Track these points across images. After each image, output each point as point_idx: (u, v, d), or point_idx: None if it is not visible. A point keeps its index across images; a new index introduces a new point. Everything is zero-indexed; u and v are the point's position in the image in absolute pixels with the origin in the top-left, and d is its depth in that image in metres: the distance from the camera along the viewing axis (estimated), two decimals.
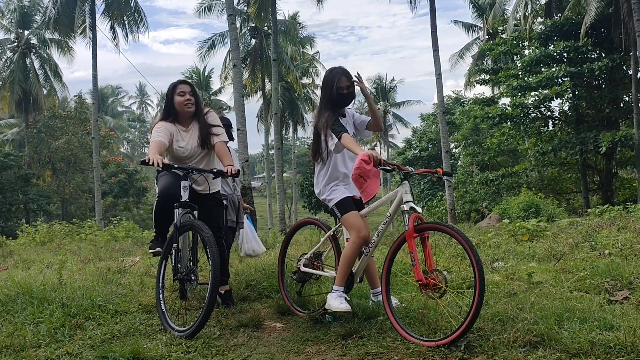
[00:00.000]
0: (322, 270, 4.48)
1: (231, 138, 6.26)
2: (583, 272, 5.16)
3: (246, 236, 6.24)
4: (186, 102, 4.54)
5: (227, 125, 6.09)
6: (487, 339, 3.48)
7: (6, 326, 4.18)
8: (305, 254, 4.65)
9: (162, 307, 4.22)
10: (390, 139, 63.92)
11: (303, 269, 4.56)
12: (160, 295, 4.26)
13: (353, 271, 4.11)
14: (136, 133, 78.62)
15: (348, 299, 4.06)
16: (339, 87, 4.25)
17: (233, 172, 4.27)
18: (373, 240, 4.04)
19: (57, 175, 38.23)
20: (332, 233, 4.39)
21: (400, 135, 65.20)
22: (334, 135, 4.13)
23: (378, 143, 66.19)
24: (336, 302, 3.94)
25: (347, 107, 4.43)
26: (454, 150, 38.81)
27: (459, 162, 38.11)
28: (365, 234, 4.02)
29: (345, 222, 4.11)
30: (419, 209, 3.71)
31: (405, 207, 3.78)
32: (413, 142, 41.65)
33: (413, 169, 3.96)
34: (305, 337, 3.94)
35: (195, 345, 3.76)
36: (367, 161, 3.80)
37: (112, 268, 6.93)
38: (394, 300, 4.28)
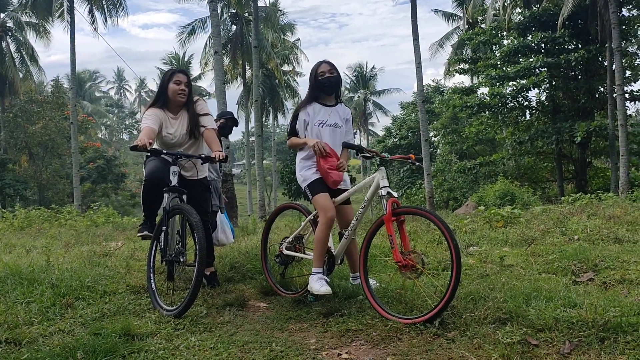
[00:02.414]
0: (304, 252, 4.68)
1: (229, 132, 6.41)
2: (552, 256, 5.44)
3: (219, 226, 6.40)
4: (180, 92, 4.66)
5: (232, 119, 6.25)
6: (459, 316, 3.72)
7: None
8: (287, 237, 4.85)
9: (153, 286, 4.39)
10: (370, 127, 64.24)
11: (285, 252, 4.75)
12: (151, 275, 4.42)
13: (334, 253, 4.32)
14: (114, 118, 77.91)
15: (328, 280, 4.27)
16: (320, 72, 4.46)
17: (221, 158, 4.43)
18: (352, 224, 4.25)
19: (34, 160, 37.81)
20: (312, 217, 4.58)
21: (380, 123, 65.60)
22: (288, 133, 4.61)
23: (358, 131, 66.50)
24: (317, 284, 4.14)
25: (335, 93, 4.61)
26: (433, 138, 39.20)
27: (438, 150, 38.52)
28: (333, 214, 4.20)
29: (315, 203, 4.31)
30: (395, 194, 3.92)
31: (383, 192, 4.00)
32: (393, 131, 41.97)
33: (389, 156, 4.19)
34: (289, 316, 4.14)
35: (184, 323, 3.94)
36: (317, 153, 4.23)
37: (97, 252, 7.05)
38: (373, 282, 4.50)
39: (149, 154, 4.49)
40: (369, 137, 63.02)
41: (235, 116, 6.55)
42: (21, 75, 36.45)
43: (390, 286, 4.50)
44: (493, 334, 3.38)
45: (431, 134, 37.77)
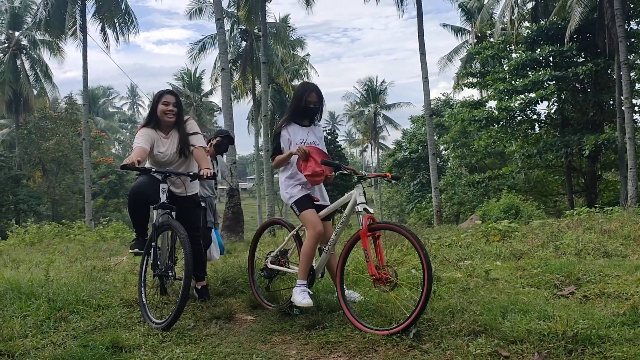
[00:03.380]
0: (288, 266, 4.83)
1: (225, 150, 6.55)
2: (537, 270, 5.52)
3: None
4: (167, 112, 4.83)
5: (228, 137, 6.40)
6: (435, 329, 3.82)
7: None
8: (272, 252, 4.99)
9: (144, 300, 4.54)
10: (380, 141, 64.34)
11: (270, 265, 4.90)
12: (142, 289, 4.58)
13: (314, 267, 4.47)
14: (127, 134, 78.68)
15: (312, 293, 4.41)
16: (307, 100, 4.65)
17: (209, 175, 4.58)
18: (331, 239, 4.41)
19: (47, 176, 38.38)
20: (295, 232, 4.73)
21: (390, 137, 65.79)
22: (271, 153, 4.76)
23: (369, 145, 66.67)
24: (299, 297, 4.28)
25: (312, 120, 4.80)
26: (443, 152, 39.23)
27: (449, 164, 38.50)
28: (320, 229, 4.36)
29: (302, 218, 4.46)
30: (372, 210, 4.08)
31: (359, 208, 4.15)
32: (403, 144, 41.99)
33: (366, 174, 4.36)
34: (273, 328, 4.27)
35: (171, 336, 4.08)
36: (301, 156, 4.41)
37: (97, 266, 7.23)
38: (357, 295, 4.63)
39: (139, 172, 4.66)
40: (380, 151, 63.11)
41: (232, 134, 6.70)
42: (35, 92, 37.11)
43: (372, 299, 4.61)
44: (466, 346, 3.48)
45: (441, 147, 37.82)
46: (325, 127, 30.86)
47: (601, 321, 3.73)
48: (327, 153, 4.70)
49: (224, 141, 6.45)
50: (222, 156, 6.59)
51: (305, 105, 4.65)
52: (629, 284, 4.81)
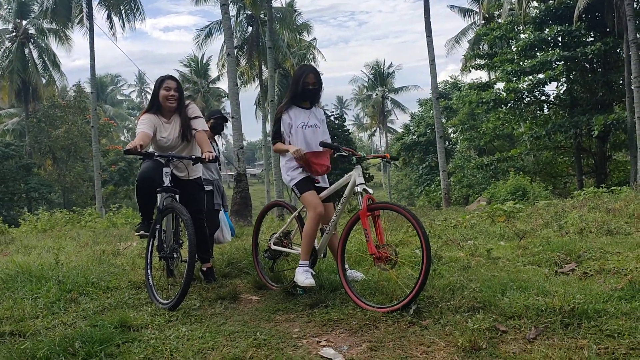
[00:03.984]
0: (291, 247, 4.92)
1: (221, 130, 6.58)
2: (538, 248, 5.58)
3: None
4: (169, 97, 4.91)
5: (221, 117, 6.42)
6: (435, 306, 3.90)
7: (7, 301, 4.61)
8: (275, 233, 5.08)
9: (150, 281, 4.65)
10: (389, 124, 64.21)
11: (273, 247, 5.00)
12: (149, 271, 4.69)
13: (316, 248, 4.55)
14: (135, 121, 78.89)
15: (314, 272, 4.49)
16: (305, 82, 4.70)
17: (210, 158, 4.66)
18: (332, 220, 4.49)
19: (57, 164, 38.70)
20: (297, 214, 4.82)
21: (399, 120, 65.79)
22: (272, 137, 4.82)
23: (378, 129, 66.54)
24: (302, 277, 4.37)
25: (313, 102, 4.85)
26: (451, 135, 39.12)
27: (457, 146, 38.41)
28: (321, 210, 4.44)
29: (303, 200, 4.55)
30: (371, 190, 4.15)
31: (359, 188, 4.22)
32: (411, 128, 41.89)
33: (364, 154, 4.43)
34: (277, 308, 4.36)
35: (177, 315, 4.18)
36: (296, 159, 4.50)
37: (106, 251, 7.35)
38: (359, 274, 4.71)
39: (142, 157, 4.75)
40: (388, 135, 62.98)
41: (225, 114, 6.71)
42: (44, 80, 37.31)
43: (374, 278, 4.69)
44: (465, 322, 3.56)
45: (450, 130, 37.71)
46: (333, 112, 30.75)
47: (599, 296, 3.79)
48: (328, 135, 4.76)
49: (218, 121, 6.42)
50: (220, 137, 6.61)
51: (304, 87, 4.70)
52: (629, 260, 4.86)
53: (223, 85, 51.73)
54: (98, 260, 6.37)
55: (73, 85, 44.45)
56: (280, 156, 4.80)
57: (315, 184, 4.64)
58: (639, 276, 4.26)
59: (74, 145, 37.75)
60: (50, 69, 37.07)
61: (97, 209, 25.14)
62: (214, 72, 49.33)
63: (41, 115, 37.56)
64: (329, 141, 4.61)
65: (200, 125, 4.97)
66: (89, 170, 37.99)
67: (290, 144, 4.65)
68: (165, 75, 5.02)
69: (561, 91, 26.91)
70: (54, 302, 4.57)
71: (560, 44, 25.15)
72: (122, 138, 66.71)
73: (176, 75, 51.24)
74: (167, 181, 4.66)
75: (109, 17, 29.07)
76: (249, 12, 34.64)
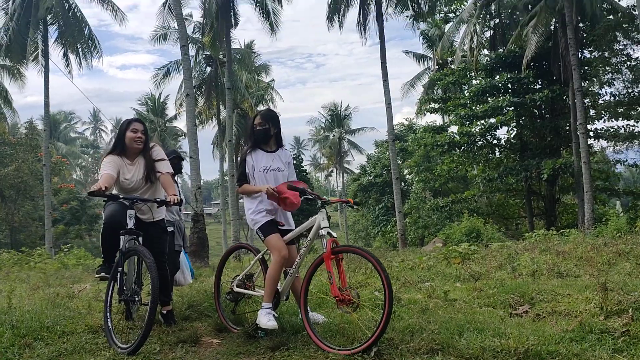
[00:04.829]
0: (254, 290, 4.94)
1: (179, 170, 6.63)
2: (493, 290, 5.75)
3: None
4: (136, 139, 4.95)
5: (177, 157, 6.46)
6: (395, 348, 3.98)
7: None
8: (238, 275, 5.10)
9: (109, 325, 4.58)
10: (345, 165, 64.81)
11: (236, 289, 5.01)
12: (108, 314, 4.62)
13: (279, 290, 4.59)
14: (89, 159, 77.54)
15: (277, 315, 4.52)
16: (254, 124, 4.93)
17: (175, 202, 4.70)
18: (296, 262, 4.55)
19: (5, 203, 37.46)
20: (260, 256, 4.85)
21: (355, 161, 66.24)
22: (237, 179, 4.89)
23: (334, 169, 67.07)
24: (265, 319, 4.40)
25: (264, 142, 4.94)
26: (407, 176, 39.78)
27: (413, 187, 39.02)
28: (285, 253, 4.51)
29: (268, 243, 4.60)
30: (334, 234, 4.24)
31: (323, 232, 4.31)
32: (368, 169, 42.44)
33: (329, 198, 4.54)
34: (238, 351, 4.35)
35: None
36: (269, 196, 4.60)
37: (60, 294, 7.18)
38: (320, 317, 4.76)
39: (106, 199, 4.74)
40: (345, 175, 63.54)
41: (182, 153, 6.74)
42: None
43: (335, 320, 4.74)
44: None
45: (405, 171, 38.37)
46: (291, 152, 30.87)
47: (551, 338, 3.94)
48: (295, 177, 4.87)
49: (174, 161, 6.42)
50: (179, 177, 6.64)
51: (252, 129, 4.91)
52: (579, 302, 5.05)
53: (180, 124, 51.57)
54: (52, 303, 6.22)
55: (25, 122, 43.53)
56: (245, 198, 4.86)
57: (280, 227, 4.71)
58: (589, 318, 4.45)
59: (23, 184, 36.69)
60: (2, 105, 36.19)
61: (47, 249, 24.40)
62: (171, 111, 49.22)
63: None
64: (296, 185, 4.73)
65: (165, 168, 5.00)
66: (38, 209, 36.93)
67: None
68: (132, 117, 5.08)
69: (512, 135, 27.87)
70: (7, 347, 4.45)
71: (510, 90, 26.18)
72: (75, 176, 65.33)
73: (133, 113, 50.95)
74: (130, 223, 4.66)
75: (65, 54, 28.77)
76: (208, 53, 34.88)
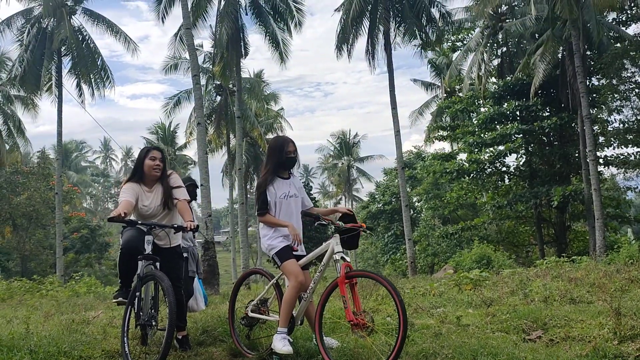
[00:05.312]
0: (268, 314, 5.00)
1: (194, 197, 6.77)
2: (506, 315, 5.76)
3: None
4: (155, 167, 5.09)
5: (193, 185, 6.61)
6: None
7: None
8: (252, 300, 5.16)
9: (127, 350, 4.64)
10: (354, 193, 64.88)
11: (251, 314, 5.07)
12: (125, 339, 4.68)
13: (294, 315, 4.64)
14: (100, 188, 78.08)
15: (291, 340, 4.57)
16: (288, 151, 4.90)
17: (192, 228, 4.81)
18: (310, 287, 4.61)
19: (17, 231, 37.74)
20: (275, 281, 4.92)
21: (364, 188, 66.33)
22: (259, 208, 4.86)
23: (343, 197, 67.11)
24: (280, 344, 4.44)
25: (291, 170, 5.04)
26: (416, 203, 39.77)
27: (422, 215, 38.97)
28: (302, 279, 4.56)
29: (284, 269, 4.66)
30: (348, 259, 4.31)
31: (337, 256, 4.38)
32: (376, 196, 42.47)
33: (343, 224, 4.61)
34: None
35: None
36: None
37: (75, 320, 7.24)
38: (334, 342, 4.79)
39: (125, 225, 4.85)
40: (354, 203, 63.52)
41: (198, 182, 6.88)
42: (7, 147, 36.78)
43: (349, 345, 4.78)
44: None
45: (414, 199, 38.36)
46: (300, 179, 31.00)
47: None
48: (310, 201, 4.96)
49: (190, 188, 6.55)
50: (194, 203, 6.76)
51: (287, 155, 4.88)
52: (592, 328, 5.06)
53: (190, 152, 52.01)
54: (68, 329, 6.28)
55: (37, 152, 44.02)
56: (260, 225, 4.94)
57: (294, 252, 4.78)
58: (602, 343, 4.46)
59: (35, 212, 36.96)
60: (15, 135, 36.65)
61: (58, 277, 24.48)
62: (181, 140, 49.64)
63: (3, 181, 36.87)
64: (311, 205, 4.81)
65: (182, 195, 5.12)
66: (49, 237, 37.13)
67: (274, 215, 4.81)
68: (151, 145, 5.23)
69: (521, 163, 27.93)
70: None
71: (518, 118, 26.30)
72: (85, 205, 65.71)
73: (143, 142, 51.42)
74: (148, 249, 4.76)
75: (78, 85, 29.23)
76: (218, 82, 35.35)
